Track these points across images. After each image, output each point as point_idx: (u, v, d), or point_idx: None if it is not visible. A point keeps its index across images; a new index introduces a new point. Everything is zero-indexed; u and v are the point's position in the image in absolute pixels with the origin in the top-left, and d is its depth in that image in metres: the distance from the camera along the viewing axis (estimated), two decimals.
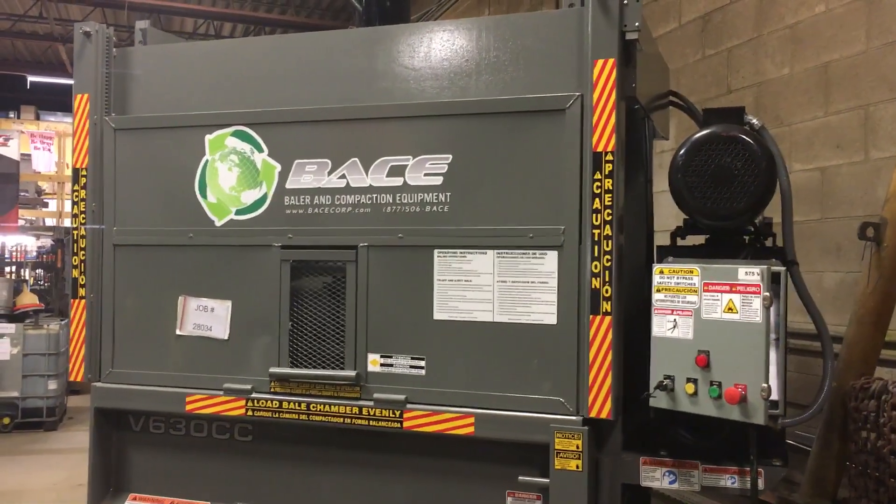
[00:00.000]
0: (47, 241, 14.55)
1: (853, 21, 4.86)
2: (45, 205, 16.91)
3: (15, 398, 8.72)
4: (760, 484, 3.08)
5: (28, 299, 9.68)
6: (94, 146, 3.74)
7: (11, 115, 21.23)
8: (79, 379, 3.77)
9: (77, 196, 3.77)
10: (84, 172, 3.75)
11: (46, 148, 15.44)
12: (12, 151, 12.82)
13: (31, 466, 7.51)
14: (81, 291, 3.76)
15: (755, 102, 5.62)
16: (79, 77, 3.78)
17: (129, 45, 3.96)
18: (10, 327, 8.78)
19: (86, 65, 3.75)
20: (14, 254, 13.72)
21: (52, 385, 8.87)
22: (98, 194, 3.75)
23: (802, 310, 3.42)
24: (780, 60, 5.45)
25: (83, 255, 3.75)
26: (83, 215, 3.75)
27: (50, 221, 15.81)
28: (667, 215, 4.05)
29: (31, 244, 14.77)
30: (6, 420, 8.68)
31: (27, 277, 13.30)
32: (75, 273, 3.77)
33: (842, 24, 4.94)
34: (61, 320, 9.17)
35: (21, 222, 14.50)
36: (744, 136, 3.14)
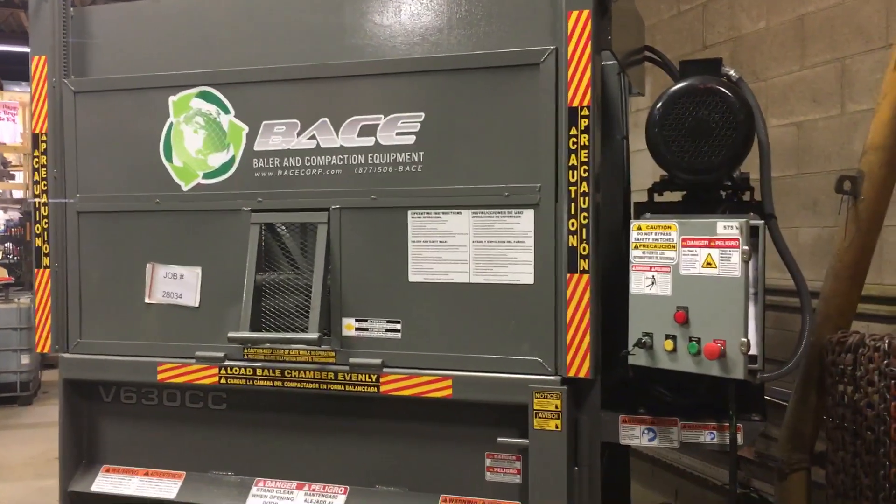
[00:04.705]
0: (15, 215, 14.27)
1: None
2: (12, 177, 16.57)
3: None
4: (739, 439, 3.09)
5: None
6: (54, 110, 3.61)
7: None
8: (46, 350, 3.69)
9: (37, 163, 3.64)
10: (44, 138, 3.63)
11: (11, 118, 15.03)
12: None
13: (6, 441, 7.43)
14: (46, 261, 3.66)
15: (731, 58, 5.55)
16: (35, 38, 3.65)
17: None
18: None
19: (42, 25, 3.61)
20: None
21: (25, 359, 8.78)
22: (59, 160, 3.62)
23: (779, 266, 3.40)
24: (755, 14, 5.37)
25: (46, 223, 3.64)
26: (44, 182, 3.64)
27: (17, 194, 15.48)
28: (644, 174, 4.01)
29: None
30: None
31: None
32: (39, 242, 3.66)
33: None
34: (32, 294, 9.01)
35: None
36: (721, 88, 3.08)
